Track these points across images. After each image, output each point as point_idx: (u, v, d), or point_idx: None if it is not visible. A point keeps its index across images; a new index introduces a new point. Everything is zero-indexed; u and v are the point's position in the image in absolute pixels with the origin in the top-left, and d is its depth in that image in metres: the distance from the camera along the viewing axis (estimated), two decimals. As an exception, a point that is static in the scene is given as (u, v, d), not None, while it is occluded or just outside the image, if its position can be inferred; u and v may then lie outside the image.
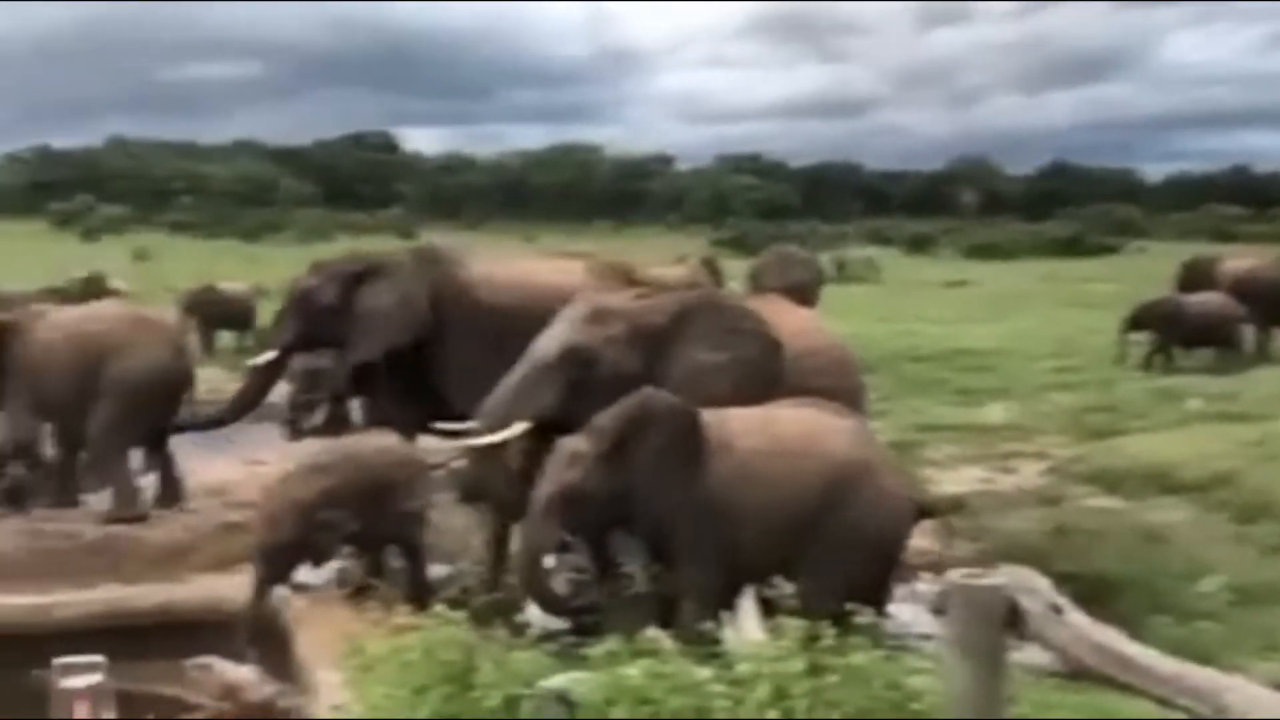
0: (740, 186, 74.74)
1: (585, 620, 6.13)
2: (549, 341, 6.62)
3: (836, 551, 5.02)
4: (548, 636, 5.17)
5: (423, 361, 7.78)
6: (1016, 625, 2.44)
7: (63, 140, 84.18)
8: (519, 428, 6.41)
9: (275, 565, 5.68)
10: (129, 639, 4.98)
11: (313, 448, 7.14)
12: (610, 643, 3.17)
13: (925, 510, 5.69)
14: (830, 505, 5.09)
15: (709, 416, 5.29)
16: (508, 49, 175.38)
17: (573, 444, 5.31)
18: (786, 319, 6.99)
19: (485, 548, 6.60)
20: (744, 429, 5.28)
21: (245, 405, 8.30)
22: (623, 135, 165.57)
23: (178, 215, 55.66)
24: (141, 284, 19.69)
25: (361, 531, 5.95)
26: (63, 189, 62.92)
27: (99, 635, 4.78)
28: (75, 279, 13.90)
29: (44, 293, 12.93)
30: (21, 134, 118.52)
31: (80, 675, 2.44)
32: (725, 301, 6.87)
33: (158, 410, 7.70)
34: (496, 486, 6.50)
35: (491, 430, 6.31)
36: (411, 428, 7.52)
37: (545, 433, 6.14)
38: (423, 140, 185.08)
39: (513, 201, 76.76)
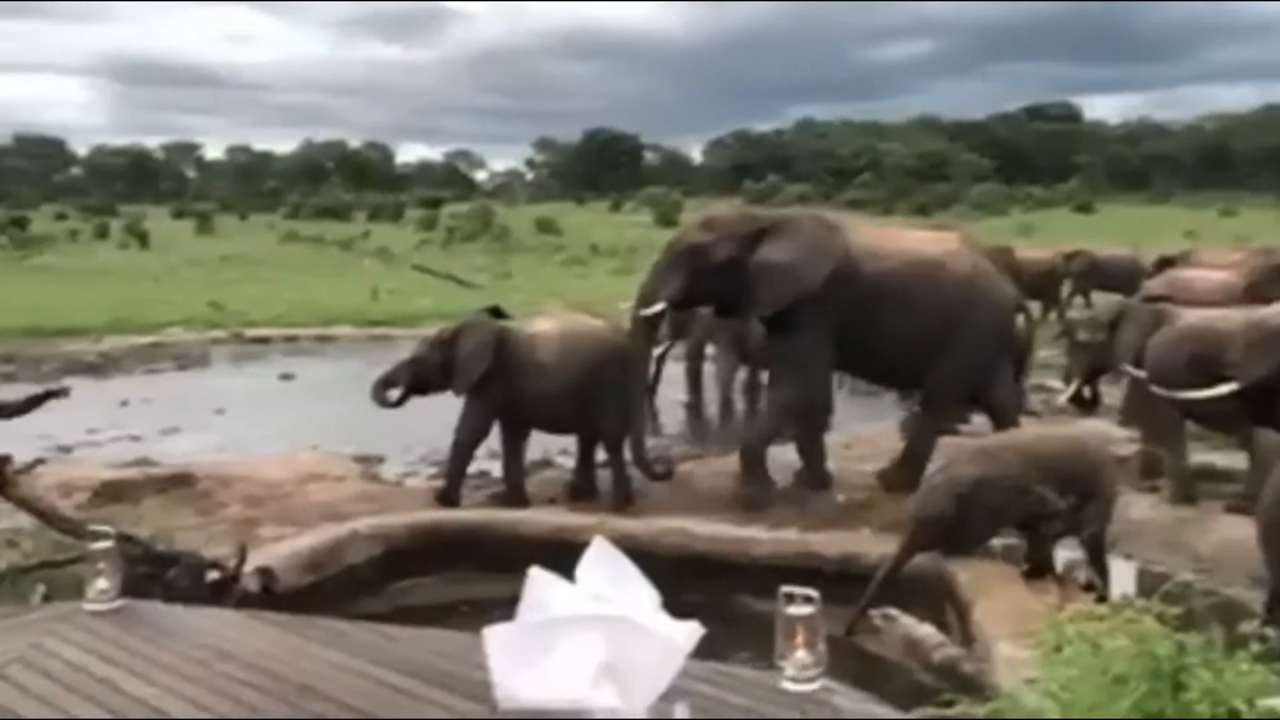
0: None
1: None
2: (1275, 313, 6.73)
3: None
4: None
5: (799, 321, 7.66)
6: None
7: (760, 124, 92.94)
8: (1224, 388, 6.61)
9: (920, 537, 5.74)
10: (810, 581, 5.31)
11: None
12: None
13: None
14: None
15: None
16: (1205, 2, 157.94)
17: None
18: None
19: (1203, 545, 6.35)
20: None
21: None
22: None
23: (856, 193, 58.51)
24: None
25: (1033, 522, 5.77)
26: (757, 170, 69.48)
27: (784, 573, 5.12)
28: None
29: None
30: (726, 120, 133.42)
31: (799, 606, 2.64)
32: None
33: None
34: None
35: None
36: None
37: None
38: (1108, 108, 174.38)
39: (1210, 170, 69.35)
